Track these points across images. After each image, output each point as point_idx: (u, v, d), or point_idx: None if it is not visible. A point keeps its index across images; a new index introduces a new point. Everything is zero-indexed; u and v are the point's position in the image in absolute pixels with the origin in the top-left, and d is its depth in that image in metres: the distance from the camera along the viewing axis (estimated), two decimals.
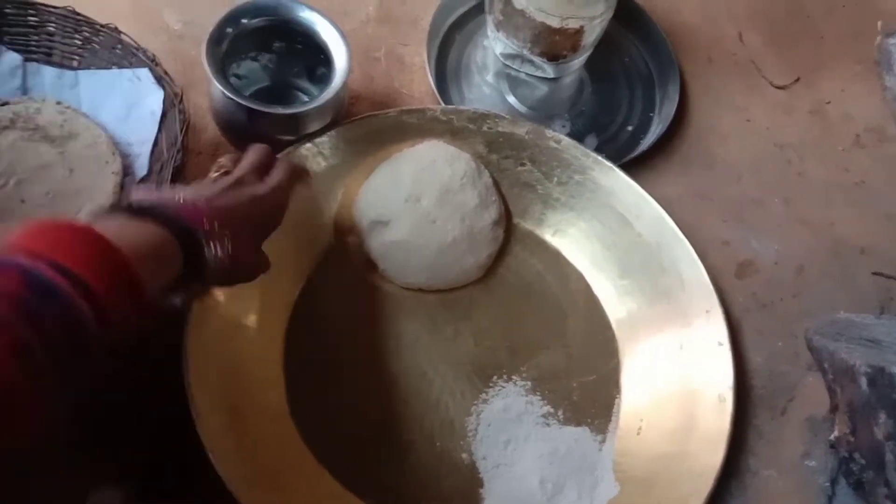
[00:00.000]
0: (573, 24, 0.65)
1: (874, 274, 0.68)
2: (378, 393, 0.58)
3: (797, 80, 0.78)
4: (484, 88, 0.73)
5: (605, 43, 0.71)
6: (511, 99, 0.72)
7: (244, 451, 0.51)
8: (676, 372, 0.60)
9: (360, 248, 0.62)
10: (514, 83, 0.72)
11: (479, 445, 0.57)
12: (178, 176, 0.55)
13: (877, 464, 0.51)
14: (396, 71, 0.72)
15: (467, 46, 0.75)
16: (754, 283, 0.67)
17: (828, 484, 0.56)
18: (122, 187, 0.58)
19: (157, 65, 0.58)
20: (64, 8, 0.59)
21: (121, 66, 0.59)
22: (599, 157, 0.64)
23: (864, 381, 0.52)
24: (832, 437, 0.55)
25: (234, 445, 0.51)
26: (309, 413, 0.56)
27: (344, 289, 0.61)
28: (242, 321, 0.57)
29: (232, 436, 0.51)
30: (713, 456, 0.56)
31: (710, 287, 0.61)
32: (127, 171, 0.59)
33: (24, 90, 0.60)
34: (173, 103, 0.58)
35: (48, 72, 0.60)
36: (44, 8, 0.59)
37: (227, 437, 0.51)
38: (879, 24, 0.79)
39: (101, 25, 0.59)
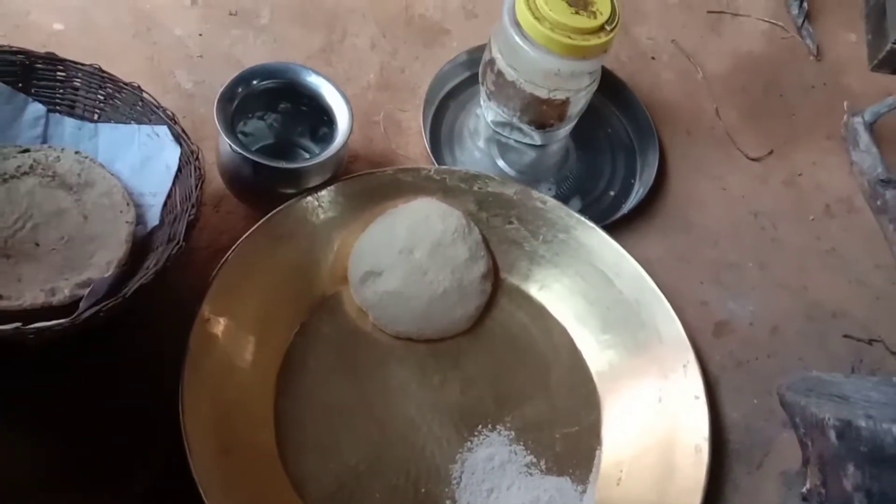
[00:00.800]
0: (560, 96, 0.70)
1: (845, 336, 0.71)
2: (365, 438, 0.60)
3: (771, 152, 0.83)
4: (475, 153, 0.77)
5: (590, 114, 0.76)
6: (501, 163, 0.76)
7: (233, 488, 0.53)
8: (655, 424, 0.62)
9: (354, 297, 0.65)
10: (504, 149, 0.77)
11: (463, 493, 0.59)
12: (192, 229, 0.56)
13: None
14: (394, 134, 0.76)
15: (461, 114, 0.79)
16: (731, 342, 0.70)
17: None
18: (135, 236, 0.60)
19: (175, 123, 0.61)
20: (91, 65, 0.62)
21: (140, 123, 0.62)
22: (583, 218, 0.68)
23: (833, 434, 0.54)
24: (804, 489, 0.56)
25: (224, 482, 0.52)
26: (297, 455, 0.58)
27: (336, 336, 0.64)
28: (237, 363, 0.59)
29: (222, 473, 0.53)
30: None
31: (687, 342, 0.64)
32: (139, 220, 0.61)
33: (45, 139, 0.63)
34: (189, 160, 0.60)
35: (69, 123, 0.63)
36: (72, 64, 0.62)
37: (217, 473, 0.52)
38: (846, 104, 0.84)
39: (125, 83, 0.62)
